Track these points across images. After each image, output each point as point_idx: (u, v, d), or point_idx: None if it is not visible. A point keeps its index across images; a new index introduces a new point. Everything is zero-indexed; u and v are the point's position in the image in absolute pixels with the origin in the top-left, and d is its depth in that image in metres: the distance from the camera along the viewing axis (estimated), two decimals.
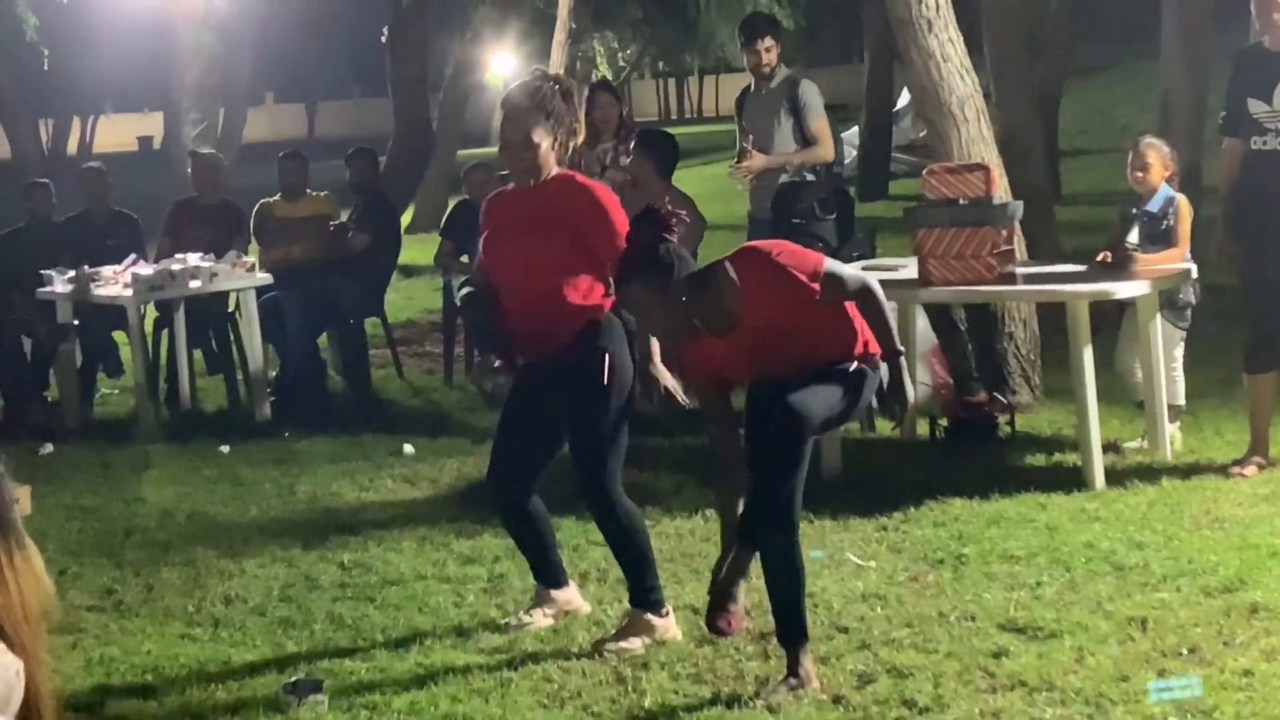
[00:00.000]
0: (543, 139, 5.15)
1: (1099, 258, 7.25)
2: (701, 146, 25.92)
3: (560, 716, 4.70)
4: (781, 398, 4.64)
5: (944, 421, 7.82)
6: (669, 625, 5.28)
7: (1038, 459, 7.31)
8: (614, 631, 5.27)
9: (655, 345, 5.20)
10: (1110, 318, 7.66)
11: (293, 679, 4.95)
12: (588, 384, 5.13)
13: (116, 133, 48.23)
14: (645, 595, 5.27)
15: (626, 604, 5.35)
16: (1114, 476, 6.83)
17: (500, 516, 5.60)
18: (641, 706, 4.73)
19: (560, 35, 15.26)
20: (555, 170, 5.25)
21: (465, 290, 9.59)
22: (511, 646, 5.24)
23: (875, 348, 4.78)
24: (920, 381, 8.13)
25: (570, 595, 5.54)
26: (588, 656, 5.12)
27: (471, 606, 5.71)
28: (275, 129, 46.71)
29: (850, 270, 4.90)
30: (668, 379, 5.22)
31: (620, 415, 5.20)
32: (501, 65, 25.40)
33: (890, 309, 4.87)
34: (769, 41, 8.52)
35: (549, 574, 5.51)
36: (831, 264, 4.78)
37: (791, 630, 4.83)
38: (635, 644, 5.17)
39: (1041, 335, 8.29)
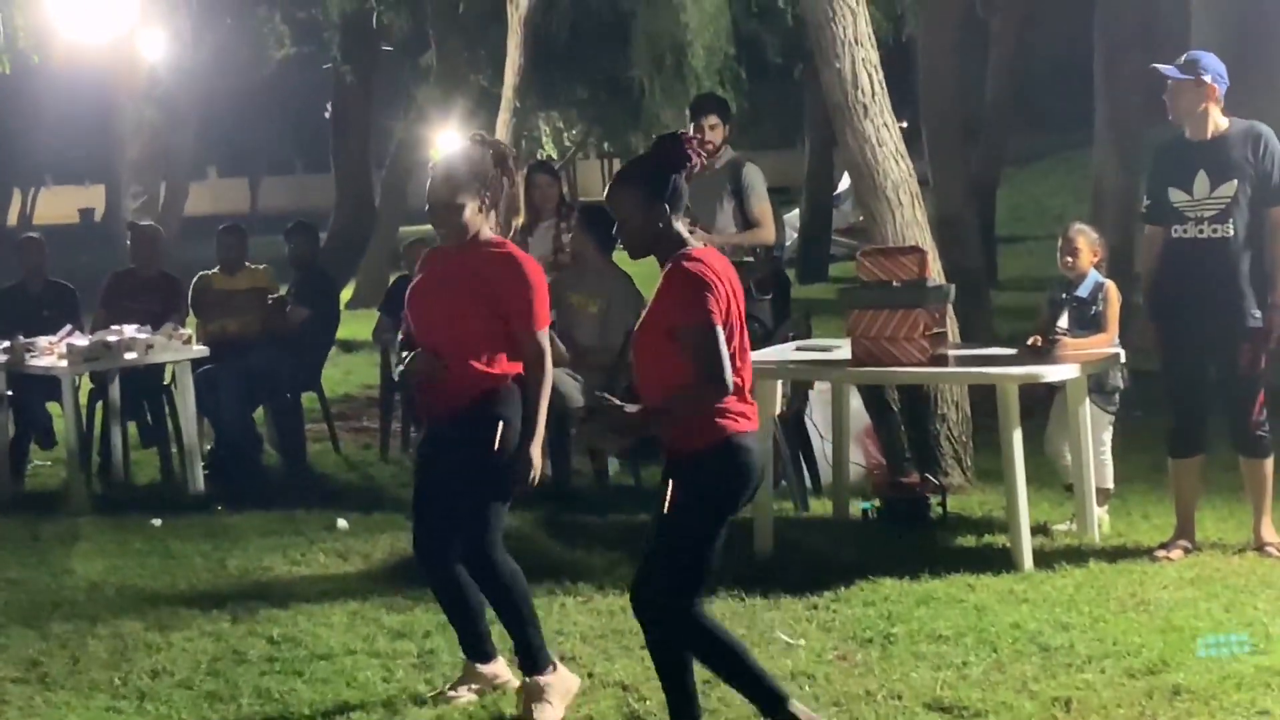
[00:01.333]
0: (468, 201, 5.21)
1: (1029, 342, 7.35)
2: None
3: None
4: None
5: (876, 502, 7.87)
6: (564, 675, 5.35)
7: (968, 540, 7.37)
8: (522, 710, 5.27)
9: (541, 429, 5.26)
10: (1041, 401, 7.76)
11: None
12: (479, 449, 5.18)
13: (57, 204, 48.07)
14: (535, 655, 5.32)
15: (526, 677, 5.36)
16: (1042, 558, 6.89)
17: (430, 586, 5.60)
18: None
19: (504, 115, 15.36)
20: (488, 235, 5.30)
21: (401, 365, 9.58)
22: None
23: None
24: (853, 462, 8.20)
25: (498, 669, 5.54)
26: None
27: (400, 682, 5.69)
28: (218, 203, 46.63)
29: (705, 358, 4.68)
30: (536, 467, 5.27)
31: (507, 482, 5.27)
32: (446, 143, 25.51)
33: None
34: (714, 119, 8.61)
35: (477, 647, 5.51)
36: (707, 336, 4.62)
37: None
38: (549, 711, 5.18)
39: (974, 418, 8.37)
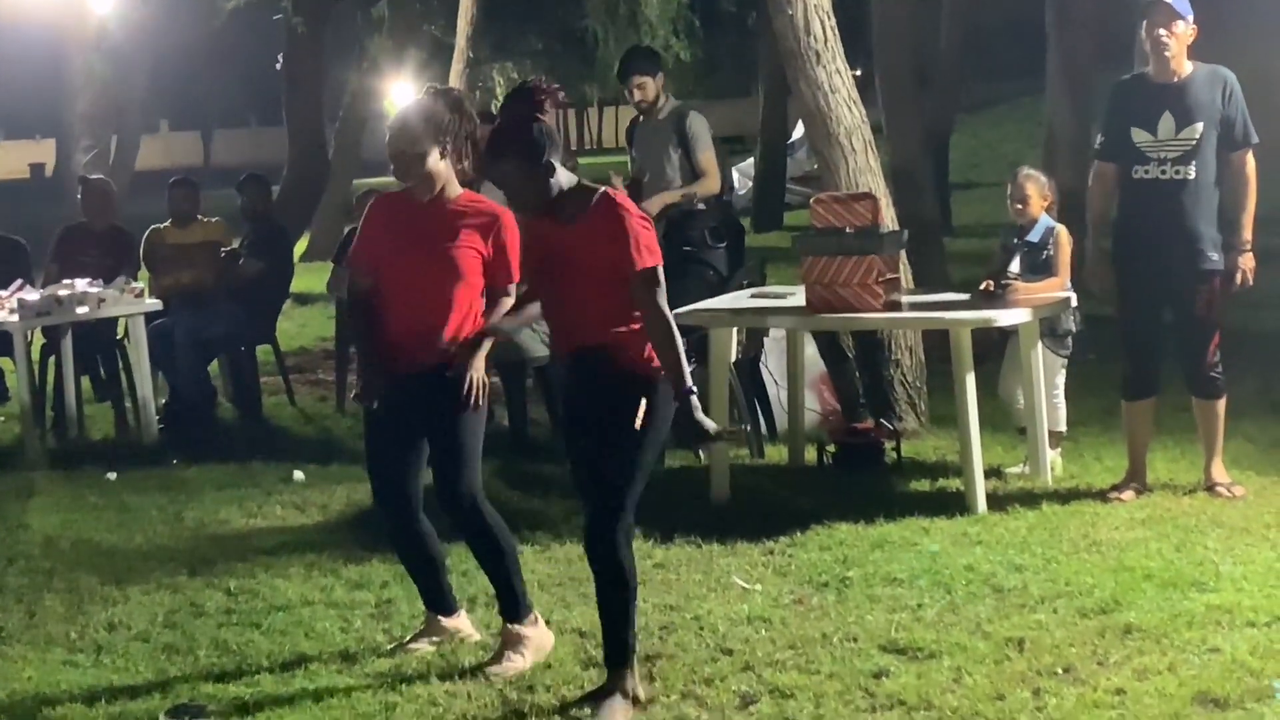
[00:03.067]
0: (429, 149, 5.19)
1: (981, 287, 7.39)
2: (602, 177, 25.98)
3: None
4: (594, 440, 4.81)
5: (831, 448, 7.91)
6: (542, 631, 5.35)
7: (922, 484, 7.42)
8: (494, 654, 5.29)
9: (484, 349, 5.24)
10: (995, 346, 7.80)
11: (175, 704, 4.91)
12: (455, 398, 5.17)
13: (8, 159, 47.64)
14: (517, 603, 5.32)
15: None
16: (996, 501, 6.95)
17: (389, 537, 5.60)
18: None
19: (458, 64, 15.30)
20: (457, 189, 5.29)
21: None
22: (397, 671, 5.24)
23: (658, 364, 4.78)
24: (808, 408, 8.24)
25: (459, 622, 5.55)
26: (473, 680, 5.13)
27: (359, 632, 5.70)
28: (170, 156, 46.28)
29: (663, 296, 4.78)
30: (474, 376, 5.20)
31: (480, 428, 5.28)
32: (401, 94, 25.35)
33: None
34: (640, 79, 8.56)
35: (439, 600, 5.52)
36: (660, 275, 4.75)
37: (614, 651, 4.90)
38: (518, 661, 5.20)
39: (928, 363, 8.42)
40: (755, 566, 6.29)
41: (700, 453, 5.53)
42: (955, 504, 6.94)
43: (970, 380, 6.89)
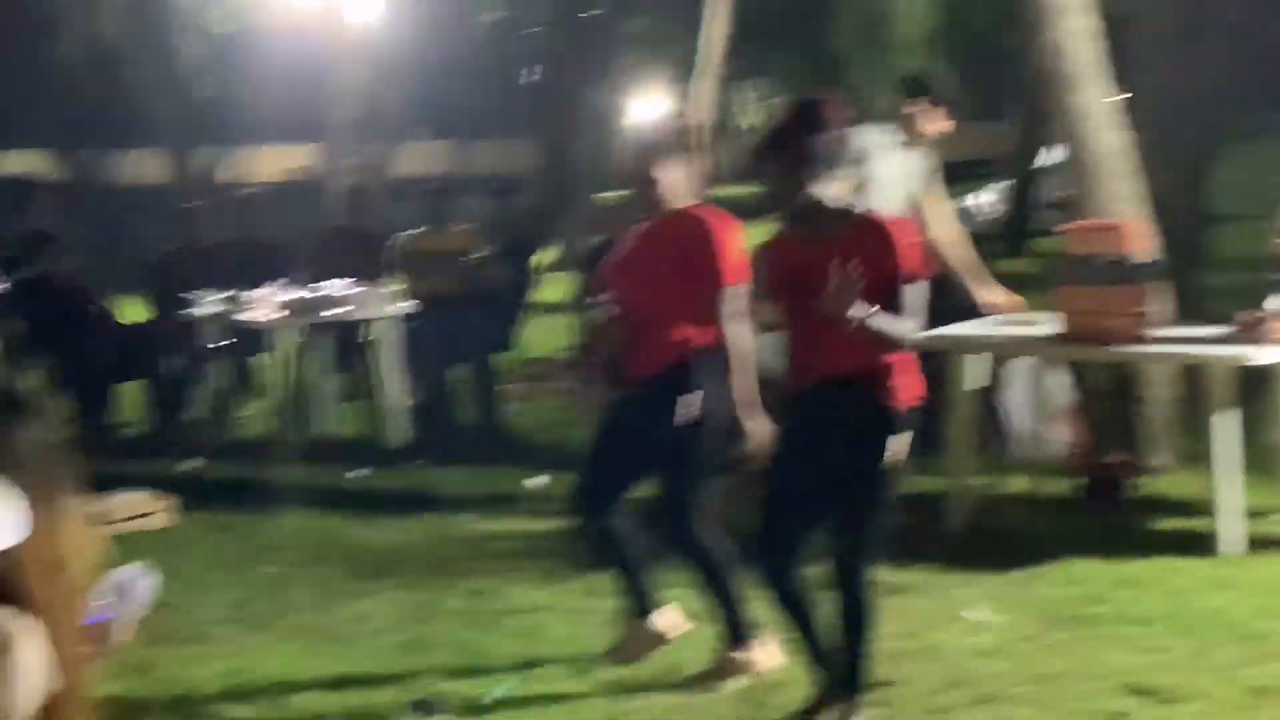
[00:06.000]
0: (662, 171, 5.23)
1: (1236, 322, 7.12)
2: None
3: None
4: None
5: (1078, 481, 7.71)
6: (767, 652, 5.28)
7: (1172, 523, 7.18)
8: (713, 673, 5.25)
9: (755, 392, 5.14)
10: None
11: (415, 699, 5.01)
12: (671, 418, 5.13)
13: (271, 164, 49.31)
14: (738, 632, 5.27)
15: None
16: (1251, 545, 6.70)
17: (585, 538, 5.64)
18: None
19: (704, 83, 15.39)
20: (687, 203, 5.30)
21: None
22: (627, 679, 5.27)
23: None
24: (1053, 439, 8.05)
25: (667, 620, 5.51)
26: (703, 692, 5.13)
27: (590, 639, 5.75)
28: (428, 164, 47.36)
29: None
30: (758, 433, 5.09)
31: (708, 452, 5.21)
32: (647, 111, 25.64)
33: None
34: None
35: (641, 602, 5.51)
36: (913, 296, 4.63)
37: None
38: (734, 685, 5.15)
39: (1190, 399, 8.12)
40: (991, 598, 6.17)
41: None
42: (1205, 545, 6.70)
43: (1224, 417, 6.66)
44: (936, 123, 7.92)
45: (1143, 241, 7.36)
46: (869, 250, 4.57)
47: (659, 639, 5.49)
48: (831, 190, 4.73)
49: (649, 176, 5.25)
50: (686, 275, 5.20)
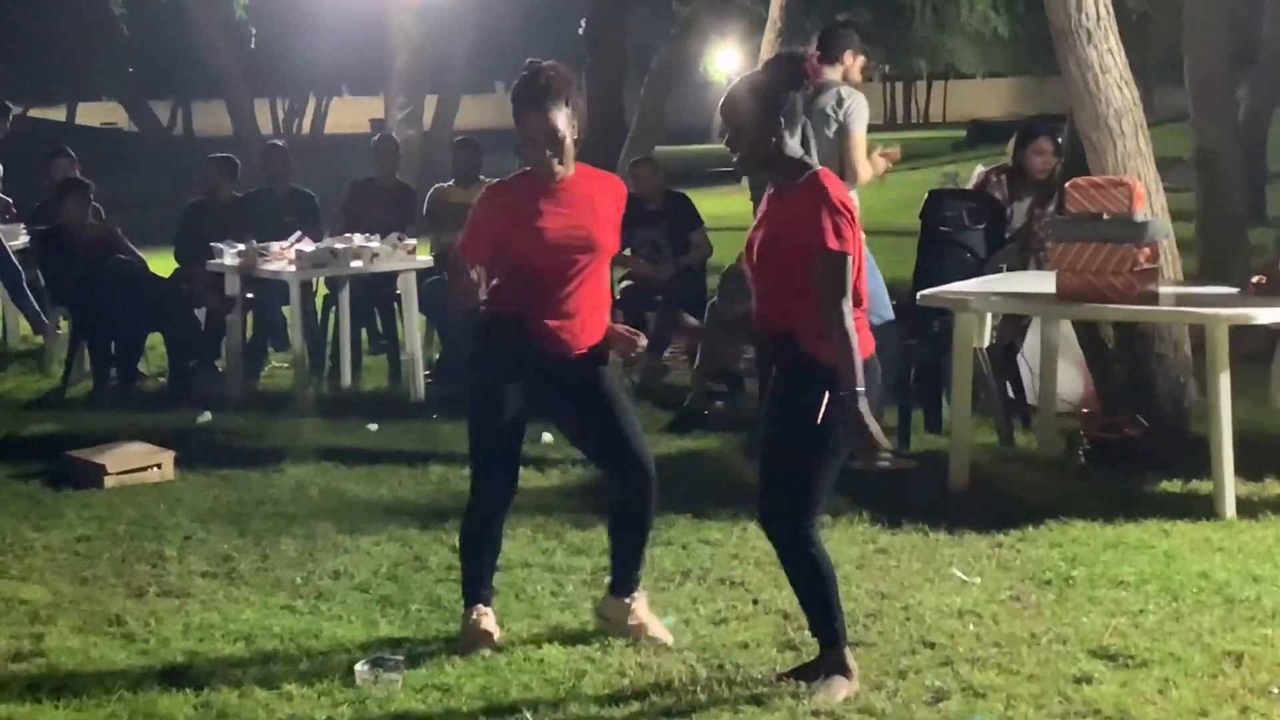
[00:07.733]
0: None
1: (1253, 280, 7.01)
2: (927, 150, 25.61)
3: (625, 711, 4.71)
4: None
5: (1084, 442, 7.62)
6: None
7: (1173, 486, 7.09)
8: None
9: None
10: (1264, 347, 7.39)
11: (373, 656, 5.04)
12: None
13: (350, 114, 49.48)
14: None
15: (722, 602, 5.40)
16: (1248, 508, 6.60)
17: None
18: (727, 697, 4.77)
19: (770, 34, 15.19)
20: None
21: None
22: (592, 638, 5.26)
23: (830, 357, 4.59)
24: (1062, 398, 7.96)
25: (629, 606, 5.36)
26: (665, 654, 5.12)
27: (568, 598, 5.76)
28: (503, 116, 47.31)
29: (842, 288, 4.55)
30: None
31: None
32: (725, 62, 25.47)
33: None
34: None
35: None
36: (847, 264, 4.56)
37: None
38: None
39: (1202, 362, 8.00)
40: (979, 559, 6.12)
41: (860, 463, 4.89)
42: (1203, 508, 6.62)
43: (1224, 379, 6.55)
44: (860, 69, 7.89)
45: (1149, 199, 7.24)
46: (802, 210, 4.62)
47: (642, 628, 5.31)
48: (793, 144, 4.72)
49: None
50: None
